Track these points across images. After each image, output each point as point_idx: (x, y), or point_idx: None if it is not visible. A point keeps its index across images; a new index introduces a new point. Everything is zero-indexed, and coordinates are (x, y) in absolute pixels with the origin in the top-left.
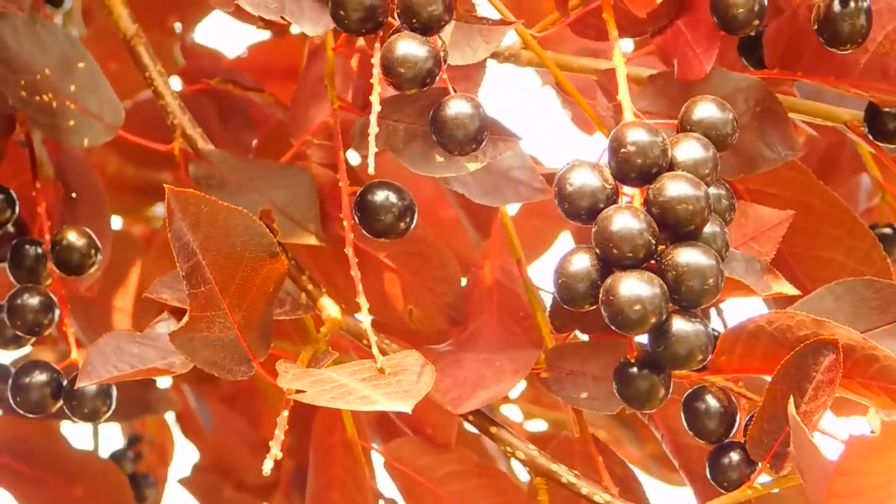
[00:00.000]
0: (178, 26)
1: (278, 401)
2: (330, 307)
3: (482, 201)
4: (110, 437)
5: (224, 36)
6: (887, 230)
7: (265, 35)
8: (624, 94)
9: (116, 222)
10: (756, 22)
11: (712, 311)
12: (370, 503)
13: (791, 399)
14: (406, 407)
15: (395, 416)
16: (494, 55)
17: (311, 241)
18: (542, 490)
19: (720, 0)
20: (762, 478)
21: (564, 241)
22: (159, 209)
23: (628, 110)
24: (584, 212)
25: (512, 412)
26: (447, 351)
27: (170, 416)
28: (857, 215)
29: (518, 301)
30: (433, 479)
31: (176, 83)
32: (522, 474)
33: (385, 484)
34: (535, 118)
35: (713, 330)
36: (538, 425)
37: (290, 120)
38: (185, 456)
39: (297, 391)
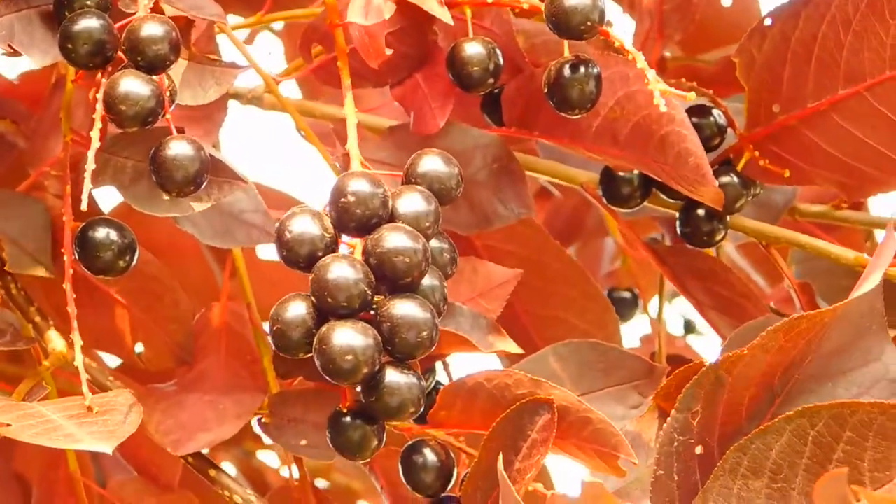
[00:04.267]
0: None
1: None
2: (56, 340)
3: (212, 243)
4: None
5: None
6: (627, 294)
7: None
8: (352, 144)
9: None
10: (490, 81)
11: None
12: None
13: (501, 457)
14: (107, 448)
15: (120, 455)
16: (237, 97)
17: (42, 272)
18: None
19: (455, 57)
20: None
21: None
22: None
23: (356, 160)
24: (302, 259)
25: (269, 458)
26: (171, 391)
27: None
28: (600, 277)
29: (246, 345)
30: None
31: None
32: None
33: None
34: None
35: (438, 383)
36: (293, 471)
37: (28, 149)
38: None
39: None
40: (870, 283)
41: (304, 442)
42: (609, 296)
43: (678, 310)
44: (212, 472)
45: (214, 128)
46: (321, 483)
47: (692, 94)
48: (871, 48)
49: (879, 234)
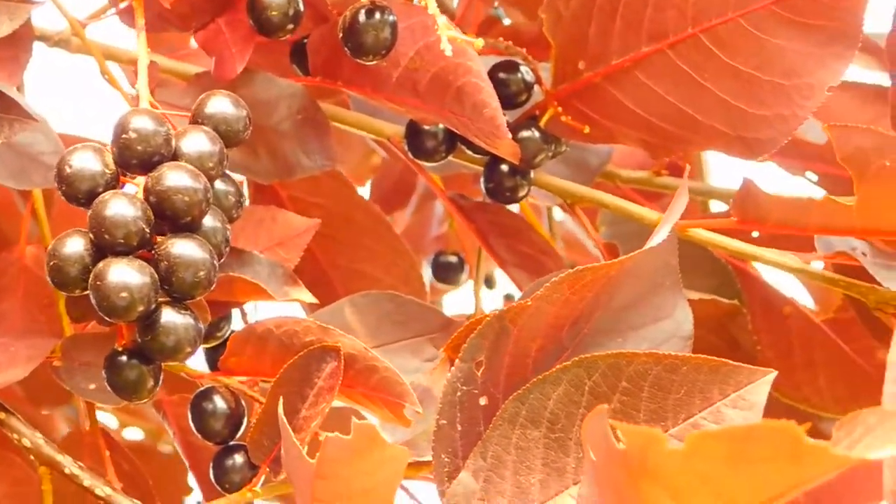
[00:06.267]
0: None
1: None
2: None
3: (7, 183)
4: None
5: None
6: (453, 258)
7: None
8: (142, 84)
9: None
10: (290, 27)
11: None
12: None
13: (282, 403)
14: None
15: None
16: (44, 39)
17: None
18: (45, 479)
19: (255, 2)
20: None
21: None
22: None
23: (145, 100)
24: (82, 195)
25: (108, 419)
26: None
27: None
28: (429, 240)
29: (44, 289)
30: None
31: None
32: None
33: None
34: None
35: (234, 332)
36: (135, 434)
37: None
38: None
39: None
40: (658, 237)
41: (92, 386)
42: (435, 260)
43: None
44: (1, 416)
45: (18, 69)
46: (164, 448)
47: (479, 42)
48: (675, 5)
49: (714, 204)
